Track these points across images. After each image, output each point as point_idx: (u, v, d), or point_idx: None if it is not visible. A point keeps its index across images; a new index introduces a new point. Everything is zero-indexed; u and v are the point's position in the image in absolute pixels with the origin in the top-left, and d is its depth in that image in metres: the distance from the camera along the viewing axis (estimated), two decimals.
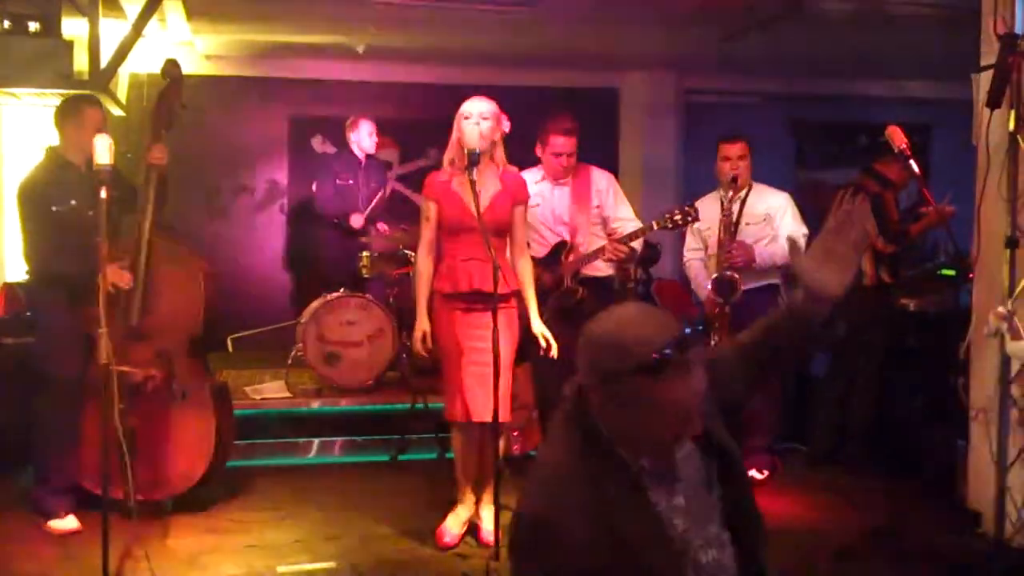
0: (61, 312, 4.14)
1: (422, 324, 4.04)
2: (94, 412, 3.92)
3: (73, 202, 4.13)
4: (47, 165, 4.28)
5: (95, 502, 3.79)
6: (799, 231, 4.93)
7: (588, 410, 1.76)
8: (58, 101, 5.23)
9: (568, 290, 4.54)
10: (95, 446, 3.82)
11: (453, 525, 4.09)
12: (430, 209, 4.06)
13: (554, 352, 4.03)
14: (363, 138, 6.63)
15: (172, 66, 4.48)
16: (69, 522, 4.12)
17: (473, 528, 4.14)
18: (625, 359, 1.70)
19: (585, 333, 1.79)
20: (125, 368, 3.97)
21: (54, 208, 4.13)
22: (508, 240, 4.09)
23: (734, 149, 4.94)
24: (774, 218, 4.97)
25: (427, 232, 4.08)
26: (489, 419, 3.76)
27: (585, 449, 1.73)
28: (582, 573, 1.63)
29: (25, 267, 4.35)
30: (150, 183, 4.26)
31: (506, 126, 4.10)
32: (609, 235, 4.68)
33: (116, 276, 4.08)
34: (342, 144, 6.95)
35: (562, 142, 4.58)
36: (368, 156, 6.69)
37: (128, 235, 4.30)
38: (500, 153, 4.05)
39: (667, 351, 1.69)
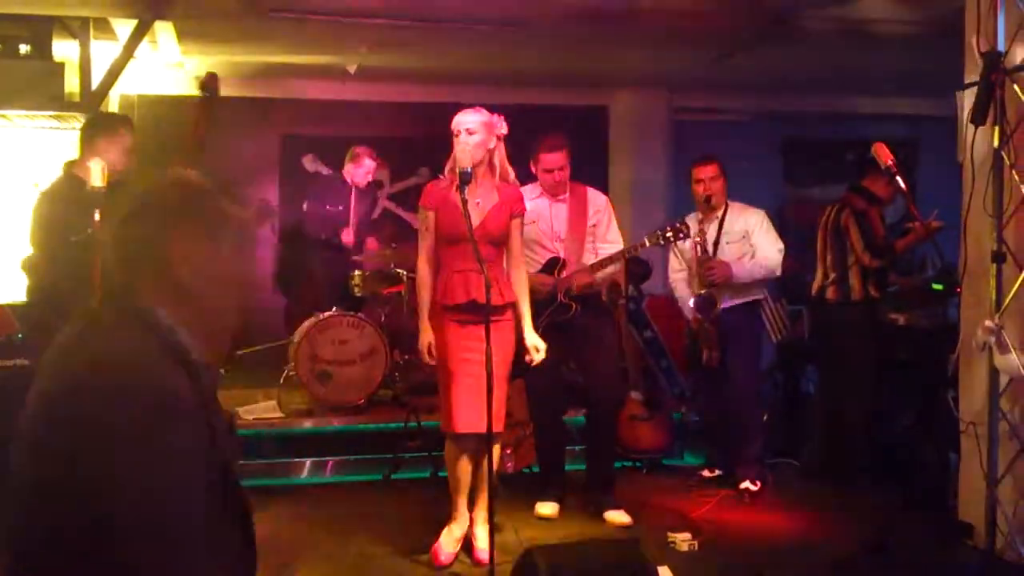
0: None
1: (426, 334, 4.04)
2: None
3: (90, 230, 3.96)
4: (65, 186, 4.14)
5: None
6: (775, 246, 5.07)
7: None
8: (50, 123, 5.26)
9: (561, 306, 4.57)
10: None
11: (447, 543, 4.09)
12: (428, 219, 4.08)
13: (540, 357, 4.07)
14: (359, 174, 6.65)
15: (211, 80, 4.31)
16: None
17: (468, 545, 4.14)
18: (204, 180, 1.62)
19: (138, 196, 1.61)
20: None
21: (73, 239, 3.97)
22: (505, 251, 4.12)
23: (706, 171, 5.07)
24: (751, 234, 5.07)
25: (426, 242, 4.10)
26: (482, 430, 3.77)
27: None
28: None
29: (27, 283, 4.21)
30: None
31: (503, 128, 4.09)
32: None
33: None
34: (335, 165, 6.97)
35: (551, 158, 4.64)
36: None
37: None
38: (498, 158, 4.06)
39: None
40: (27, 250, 4.11)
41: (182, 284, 1.56)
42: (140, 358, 1.48)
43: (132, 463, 1.39)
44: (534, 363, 4.09)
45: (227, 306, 1.63)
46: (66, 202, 4.08)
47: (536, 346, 4.07)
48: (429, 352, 4.03)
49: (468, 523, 4.16)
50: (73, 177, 4.15)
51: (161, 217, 1.57)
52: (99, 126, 4.21)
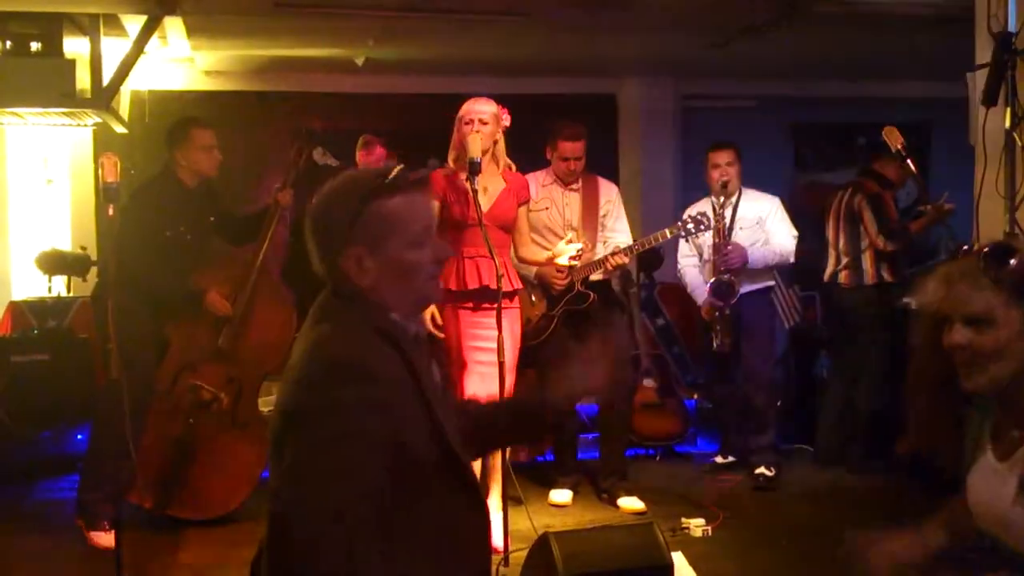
0: (140, 322, 4.21)
1: (429, 311, 4.04)
2: (153, 423, 4.12)
3: (181, 228, 4.28)
4: (161, 183, 4.39)
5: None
6: (790, 233, 5.06)
7: (355, 288, 1.77)
8: (62, 120, 5.30)
9: (579, 294, 4.58)
10: (149, 456, 4.03)
11: None
12: (436, 208, 4.10)
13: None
14: (371, 162, 6.68)
15: (311, 128, 4.87)
16: (110, 539, 3.97)
17: None
18: (360, 186, 1.78)
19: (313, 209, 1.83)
20: (199, 382, 4.19)
21: (168, 233, 4.25)
22: (512, 238, 4.15)
23: (722, 156, 5.04)
24: (765, 221, 5.06)
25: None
26: None
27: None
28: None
29: (104, 273, 4.46)
30: (272, 221, 4.50)
31: (507, 121, 4.13)
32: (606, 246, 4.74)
33: (216, 303, 4.25)
34: (346, 157, 6.97)
35: (570, 147, 4.65)
36: None
37: (230, 262, 4.51)
38: (500, 148, 4.11)
39: (393, 174, 1.80)
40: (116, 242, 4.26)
41: (370, 287, 1.76)
42: (348, 339, 1.70)
43: (313, 416, 1.63)
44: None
45: (417, 286, 1.81)
46: (160, 202, 4.31)
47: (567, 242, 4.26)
48: (434, 323, 4.03)
49: None
50: (169, 174, 4.38)
51: (328, 240, 1.78)
52: (172, 135, 4.43)
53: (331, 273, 1.78)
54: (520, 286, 4.10)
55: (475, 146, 3.90)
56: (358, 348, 1.68)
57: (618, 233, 4.75)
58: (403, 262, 1.76)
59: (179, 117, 4.67)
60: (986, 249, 1.80)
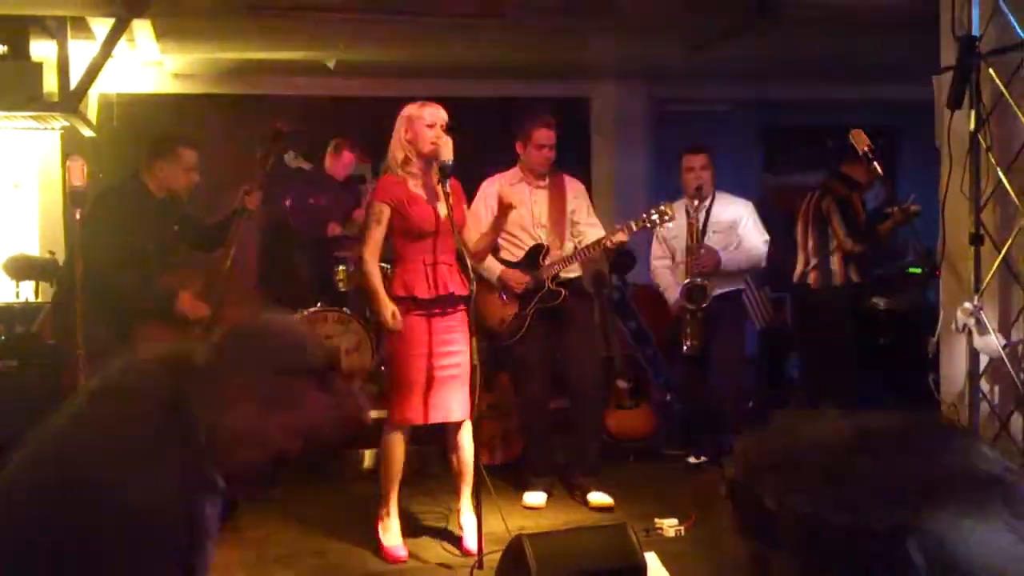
0: (107, 327, 4.17)
1: (388, 305, 3.93)
2: None
3: (145, 235, 4.29)
4: (129, 189, 4.38)
5: None
6: (760, 237, 5.11)
7: (190, 404, 1.62)
8: (29, 123, 5.24)
9: (550, 291, 4.60)
10: None
11: (392, 538, 4.05)
12: (382, 213, 3.98)
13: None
14: (339, 166, 6.70)
15: (278, 128, 4.88)
16: None
17: (455, 536, 4.16)
18: (303, 358, 1.68)
19: (253, 326, 1.77)
20: None
21: (132, 239, 4.23)
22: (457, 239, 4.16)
23: (697, 160, 5.07)
24: (738, 225, 5.11)
25: (377, 234, 3.99)
26: (465, 417, 3.91)
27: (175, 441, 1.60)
28: None
29: (62, 271, 4.38)
30: (240, 224, 4.53)
31: None
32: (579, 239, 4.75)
33: (192, 306, 4.23)
34: (316, 160, 6.95)
35: (546, 135, 4.66)
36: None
37: (198, 267, 4.51)
38: None
39: (334, 368, 1.71)
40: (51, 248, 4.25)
41: (227, 427, 1.61)
42: (151, 470, 1.55)
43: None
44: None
45: (255, 458, 1.67)
46: (127, 204, 4.33)
47: None
48: (393, 318, 3.93)
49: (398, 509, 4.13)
50: (139, 184, 4.38)
51: (250, 359, 1.66)
52: (157, 148, 4.43)
53: (202, 391, 1.61)
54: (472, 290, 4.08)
55: (448, 149, 3.88)
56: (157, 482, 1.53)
57: (590, 227, 4.76)
58: (274, 435, 1.65)
59: (167, 130, 4.71)
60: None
